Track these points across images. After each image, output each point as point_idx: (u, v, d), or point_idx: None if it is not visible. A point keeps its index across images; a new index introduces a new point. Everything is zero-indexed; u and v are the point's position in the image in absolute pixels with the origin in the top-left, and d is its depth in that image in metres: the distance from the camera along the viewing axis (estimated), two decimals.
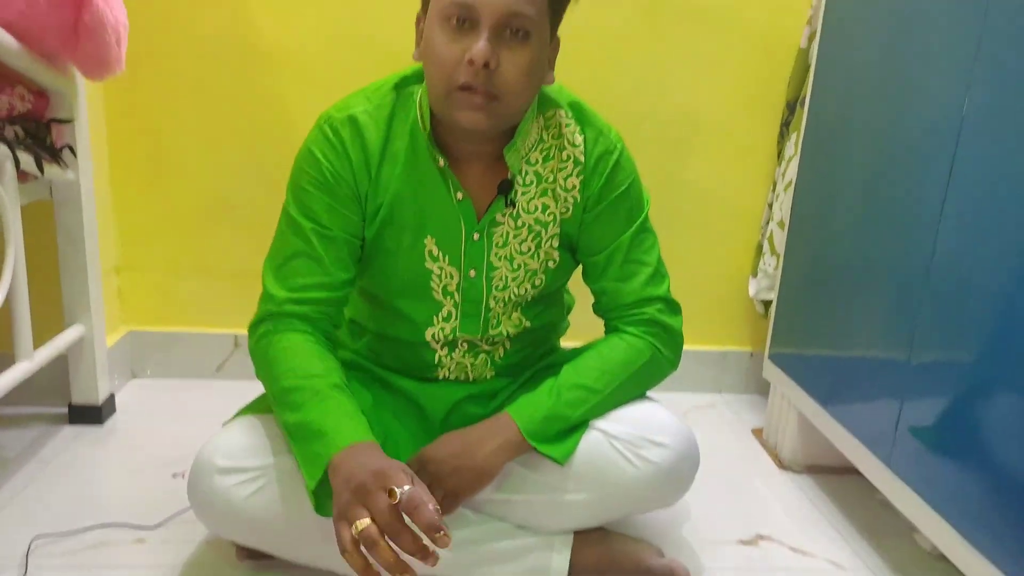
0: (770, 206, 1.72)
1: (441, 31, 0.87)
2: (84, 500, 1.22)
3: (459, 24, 0.86)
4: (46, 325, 1.40)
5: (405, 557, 0.76)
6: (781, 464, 1.50)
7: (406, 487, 0.78)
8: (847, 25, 1.37)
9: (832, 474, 1.46)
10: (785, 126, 1.70)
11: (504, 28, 0.86)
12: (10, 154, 1.16)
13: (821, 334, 1.38)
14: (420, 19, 0.94)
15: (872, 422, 1.19)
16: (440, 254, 1.03)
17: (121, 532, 1.14)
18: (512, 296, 1.07)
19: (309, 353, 0.97)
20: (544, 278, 1.08)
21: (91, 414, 1.48)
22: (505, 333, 1.11)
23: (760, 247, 1.73)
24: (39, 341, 1.32)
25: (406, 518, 0.77)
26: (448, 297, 1.06)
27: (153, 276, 1.70)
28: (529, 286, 1.07)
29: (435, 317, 1.07)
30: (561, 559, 1.05)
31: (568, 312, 1.25)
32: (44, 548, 1.09)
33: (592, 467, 1.02)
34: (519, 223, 1.03)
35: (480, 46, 0.84)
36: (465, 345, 1.10)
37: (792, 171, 1.58)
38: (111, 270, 1.64)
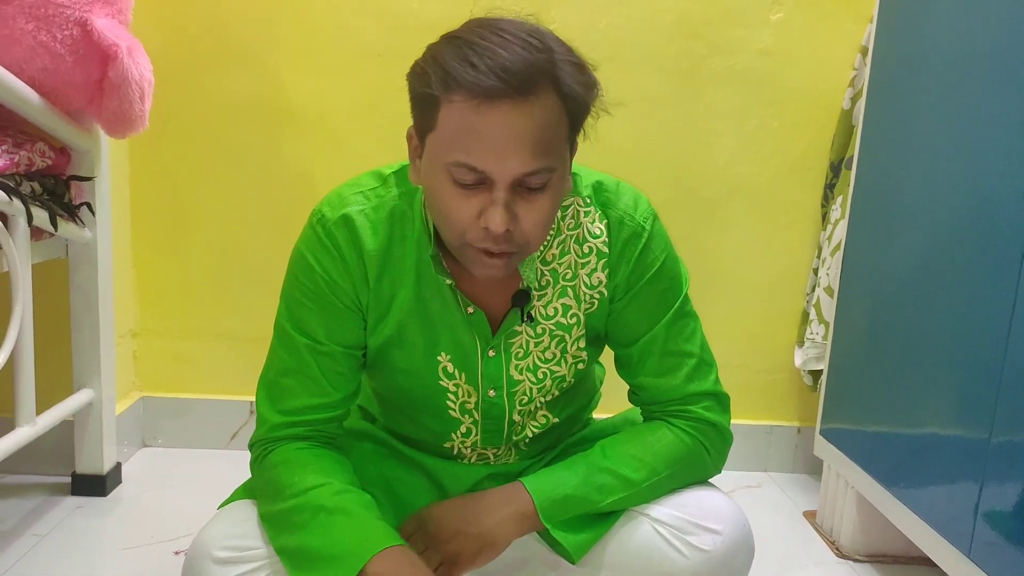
0: (815, 271, 1.63)
1: (447, 184, 0.75)
2: None
3: (467, 182, 0.74)
4: (54, 389, 1.34)
5: None
6: (840, 552, 1.35)
7: None
8: (895, 85, 1.31)
9: (898, 564, 1.31)
10: (830, 188, 1.63)
11: (520, 184, 0.75)
12: (23, 209, 1.12)
13: (880, 408, 1.26)
14: (412, 137, 0.81)
15: (946, 506, 1.06)
16: (455, 372, 0.92)
17: None
18: (537, 404, 0.97)
19: (305, 463, 0.87)
20: (572, 380, 0.97)
21: (95, 484, 1.40)
22: (530, 435, 1.01)
23: (806, 315, 1.63)
24: (46, 405, 1.25)
25: None
26: (467, 415, 0.96)
27: (170, 341, 1.65)
28: (556, 391, 0.97)
29: (453, 434, 0.97)
30: None
31: (599, 385, 1.15)
32: None
33: (632, 556, 0.91)
34: (539, 331, 0.92)
35: (497, 215, 0.73)
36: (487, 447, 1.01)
37: (839, 234, 1.50)
38: (127, 333, 1.59)
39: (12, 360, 1.16)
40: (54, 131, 1.21)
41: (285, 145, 1.59)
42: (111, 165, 1.40)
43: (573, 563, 0.89)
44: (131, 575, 1.15)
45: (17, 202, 1.11)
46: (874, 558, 1.33)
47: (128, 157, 1.56)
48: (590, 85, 0.77)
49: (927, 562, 1.29)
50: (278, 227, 1.60)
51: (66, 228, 1.25)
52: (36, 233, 1.22)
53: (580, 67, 0.76)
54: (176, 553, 1.21)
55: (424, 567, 0.77)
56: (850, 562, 1.33)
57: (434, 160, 0.76)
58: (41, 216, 1.17)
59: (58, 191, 1.25)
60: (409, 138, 0.82)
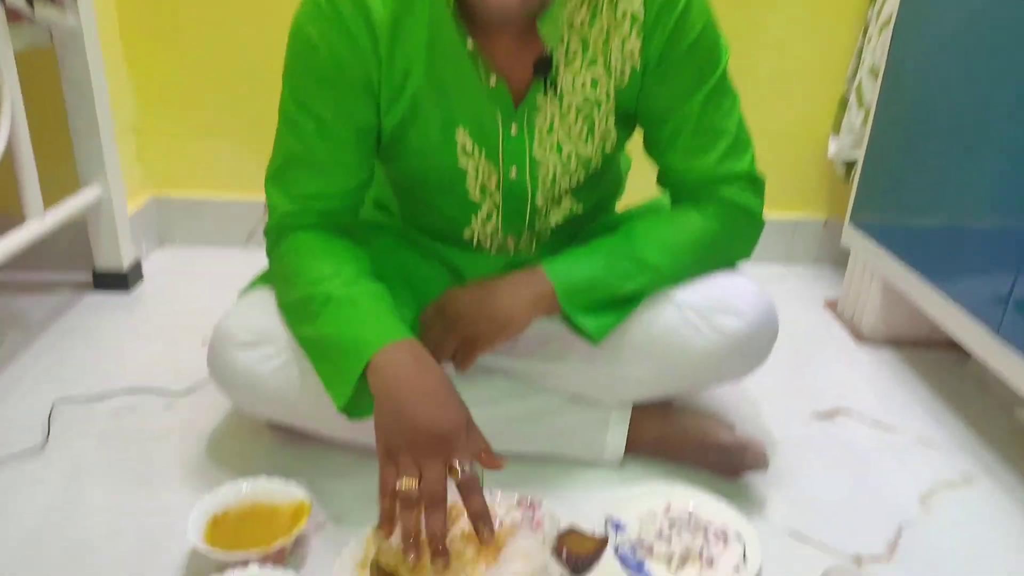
0: (859, 53, 1.50)
1: None
2: (109, 366, 1.16)
3: None
4: (61, 186, 1.30)
5: None
6: (860, 336, 1.36)
7: (466, 467, 0.70)
8: None
9: (917, 347, 1.32)
10: None
11: None
12: None
13: (916, 196, 1.20)
14: None
15: (979, 290, 1.03)
16: (475, 149, 0.86)
17: (148, 398, 1.08)
18: (562, 188, 0.91)
19: (319, 251, 0.84)
20: (600, 162, 0.91)
21: (116, 281, 1.41)
22: (553, 224, 0.96)
23: (845, 101, 1.52)
24: (53, 202, 1.22)
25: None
26: (487, 197, 0.90)
27: (176, 139, 1.58)
28: (582, 174, 0.91)
29: (473, 217, 0.92)
30: (617, 436, 0.95)
31: (625, 176, 1.09)
32: (67, 413, 1.03)
33: (656, 337, 0.90)
34: (564, 105, 0.84)
35: None
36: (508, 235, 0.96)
37: (889, 8, 1.36)
38: (128, 129, 1.53)
39: (12, 154, 1.12)
40: None
41: None
42: None
43: (594, 345, 0.88)
44: (162, 362, 1.17)
45: None
46: (893, 342, 1.34)
47: None
48: None
49: (946, 346, 1.29)
50: (275, 15, 1.48)
51: (45, 12, 1.15)
52: (13, 16, 1.12)
53: None
54: (204, 344, 1.23)
55: (429, 358, 0.77)
56: (869, 345, 1.33)
57: None
58: None
59: None
60: None
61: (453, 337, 0.87)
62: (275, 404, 0.89)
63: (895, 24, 1.31)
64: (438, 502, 0.68)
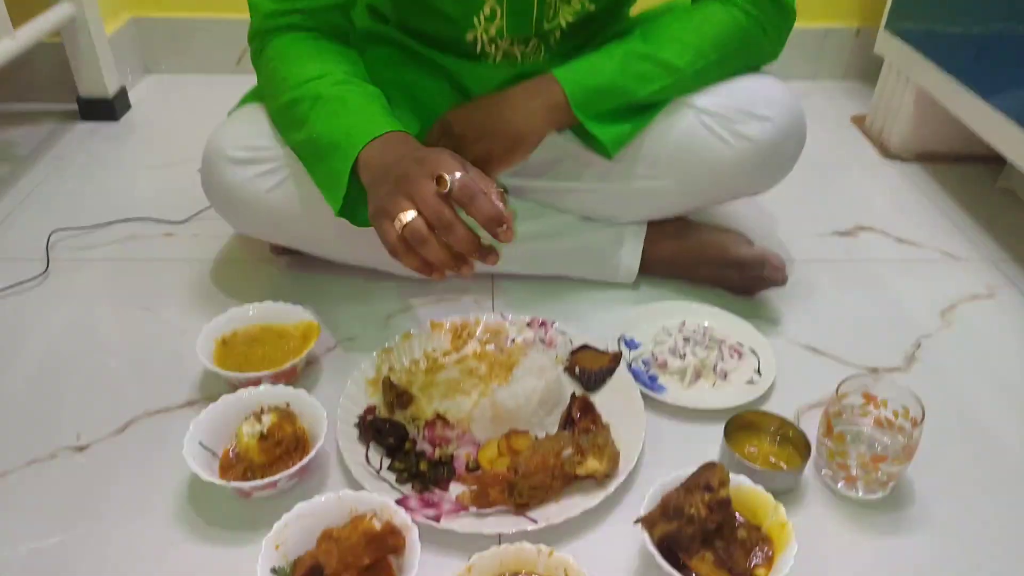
0: None
1: None
2: (105, 196, 1.12)
3: None
4: (30, 8, 1.19)
5: None
6: (887, 152, 1.29)
7: (457, 174, 0.64)
8: None
9: (946, 163, 1.25)
10: None
11: None
12: None
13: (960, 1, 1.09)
14: None
15: (1022, 95, 0.95)
16: None
17: (148, 226, 1.05)
18: None
19: (305, 54, 0.77)
20: None
21: (104, 109, 1.34)
22: (563, 24, 0.86)
23: None
24: (22, 20, 1.13)
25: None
26: None
27: None
28: None
29: (475, 18, 0.83)
30: (631, 254, 0.91)
31: None
32: (66, 242, 1.01)
33: (675, 147, 0.84)
34: None
35: None
36: (514, 40, 0.87)
37: None
38: None
39: None
40: None
41: None
42: None
43: (609, 158, 0.83)
44: (156, 191, 1.14)
45: None
46: (922, 157, 1.27)
47: None
48: None
49: (976, 159, 1.22)
50: None
51: None
52: None
53: None
54: (200, 171, 1.18)
55: (417, 146, 0.71)
56: (897, 161, 1.27)
57: None
58: None
59: None
60: None
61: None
62: (275, 224, 0.85)
63: None
64: (447, 219, 0.63)
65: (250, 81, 0.87)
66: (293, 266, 0.95)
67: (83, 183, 1.16)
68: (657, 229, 0.92)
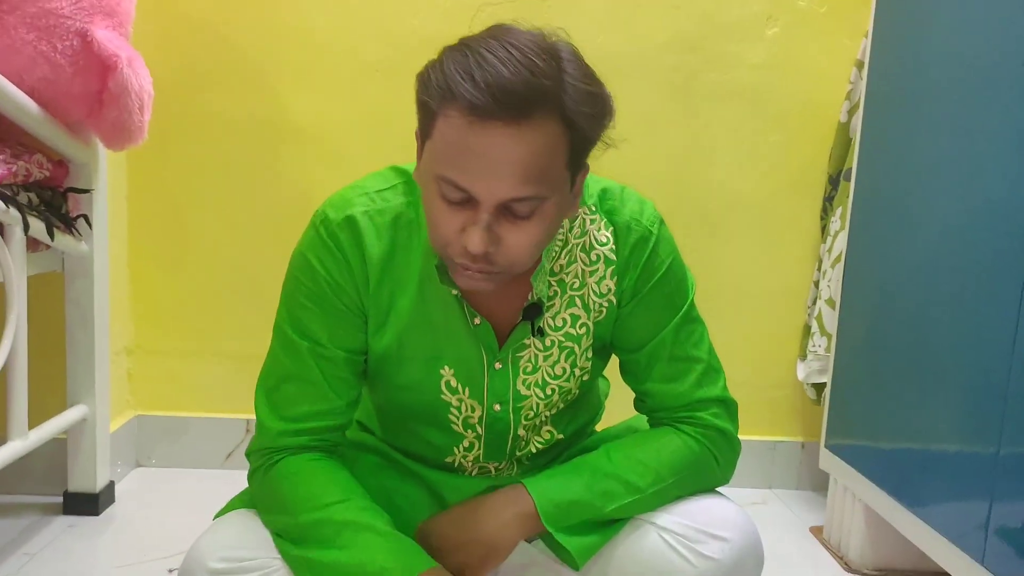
0: (816, 284, 1.63)
1: (435, 195, 0.74)
2: None
3: (453, 198, 0.72)
4: (47, 404, 1.31)
5: None
6: (848, 567, 1.33)
7: None
8: (893, 98, 1.32)
9: None
10: (828, 201, 1.63)
11: (506, 210, 0.72)
12: (20, 218, 1.11)
13: (886, 420, 1.25)
14: (417, 137, 0.79)
15: (959, 519, 1.04)
16: (459, 386, 0.90)
17: None
18: (543, 419, 0.95)
19: (321, 477, 0.85)
20: (577, 391, 0.95)
21: (87, 503, 1.37)
22: (533, 450, 0.98)
23: (808, 328, 1.62)
24: (39, 420, 1.23)
25: None
26: (469, 430, 0.93)
27: (165, 359, 1.63)
28: (562, 404, 0.95)
29: (456, 448, 0.95)
30: None
31: (604, 399, 1.13)
32: None
33: (641, 566, 0.88)
34: (548, 343, 0.89)
35: (476, 237, 0.71)
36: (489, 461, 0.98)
37: (839, 245, 1.49)
38: (122, 351, 1.57)
39: (5, 372, 1.14)
40: (52, 142, 1.21)
41: (285, 162, 1.58)
42: (109, 179, 1.39)
43: (577, 569, 0.86)
44: None
45: (14, 211, 1.10)
46: (883, 572, 1.31)
47: (127, 171, 1.56)
48: (600, 115, 0.75)
49: (938, 575, 1.26)
50: (277, 245, 1.58)
51: (63, 240, 1.24)
52: (32, 244, 1.20)
53: (592, 95, 0.73)
54: (170, 571, 1.18)
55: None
56: None
57: (427, 169, 0.75)
58: (38, 227, 1.16)
59: (55, 203, 1.24)
60: (416, 137, 0.80)
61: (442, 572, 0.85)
62: None
63: (845, 262, 1.43)
64: None
65: (236, 477, 0.92)
66: None
67: None
68: None
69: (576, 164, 0.76)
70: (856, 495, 1.32)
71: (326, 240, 0.85)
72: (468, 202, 0.72)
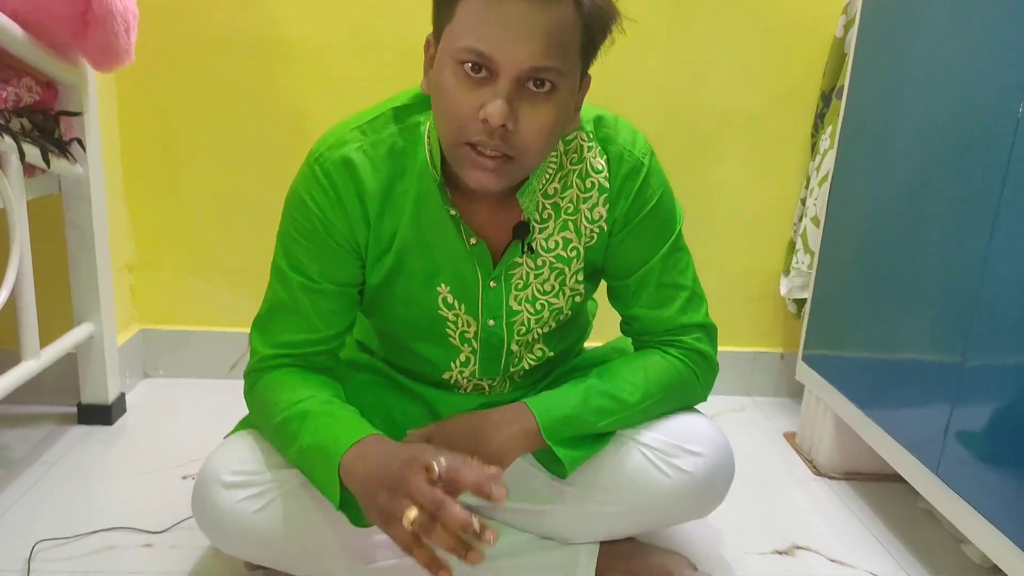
0: (803, 201, 1.65)
1: (453, 75, 0.75)
2: (90, 503, 1.18)
3: (474, 71, 0.74)
4: (55, 323, 1.36)
5: None
6: (817, 470, 1.43)
7: (442, 459, 0.74)
8: (889, 14, 1.30)
9: (872, 481, 1.39)
10: (820, 118, 1.63)
11: (527, 81, 0.75)
12: (15, 146, 1.12)
13: (860, 335, 1.31)
14: (430, 44, 0.81)
15: (918, 427, 1.11)
16: (455, 302, 0.94)
17: (128, 536, 1.10)
18: (534, 336, 1.00)
19: (294, 384, 0.91)
20: (570, 312, 1.00)
21: (100, 414, 1.45)
22: (526, 367, 1.04)
23: (792, 244, 1.66)
24: (47, 339, 1.28)
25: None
26: (466, 344, 0.98)
27: (167, 274, 1.67)
28: (553, 323, 1.00)
29: (452, 363, 1.00)
30: (586, 572, 0.98)
31: (592, 319, 1.18)
32: (47, 553, 1.05)
33: (622, 477, 0.96)
34: (539, 263, 0.94)
35: (496, 106, 0.73)
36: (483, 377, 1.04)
37: (827, 164, 1.51)
38: (124, 268, 1.61)
39: (13, 296, 1.18)
40: (40, 65, 1.20)
41: (278, 80, 1.57)
42: (99, 100, 1.39)
43: (564, 477, 0.94)
44: (142, 499, 1.20)
45: (9, 139, 1.11)
46: (849, 475, 1.40)
47: (116, 93, 1.54)
48: (610, 13, 0.78)
49: (899, 479, 1.36)
50: (271, 162, 1.60)
51: (58, 164, 1.25)
52: (28, 170, 1.22)
53: None
54: (184, 478, 1.26)
55: (395, 446, 0.82)
56: (826, 479, 1.40)
57: (445, 52, 0.76)
58: (33, 153, 1.17)
59: (48, 127, 1.25)
60: (426, 46, 0.82)
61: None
62: (257, 545, 0.92)
63: (832, 181, 1.46)
64: (441, 505, 0.71)
65: (240, 386, 0.97)
66: None
67: (70, 489, 1.22)
68: (609, 550, 1.00)
69: (587, 55, 0.80)
70: (827, 405, 1.40)
71: (320, 178, 0.88)
72: (488, 76, 0.75)
